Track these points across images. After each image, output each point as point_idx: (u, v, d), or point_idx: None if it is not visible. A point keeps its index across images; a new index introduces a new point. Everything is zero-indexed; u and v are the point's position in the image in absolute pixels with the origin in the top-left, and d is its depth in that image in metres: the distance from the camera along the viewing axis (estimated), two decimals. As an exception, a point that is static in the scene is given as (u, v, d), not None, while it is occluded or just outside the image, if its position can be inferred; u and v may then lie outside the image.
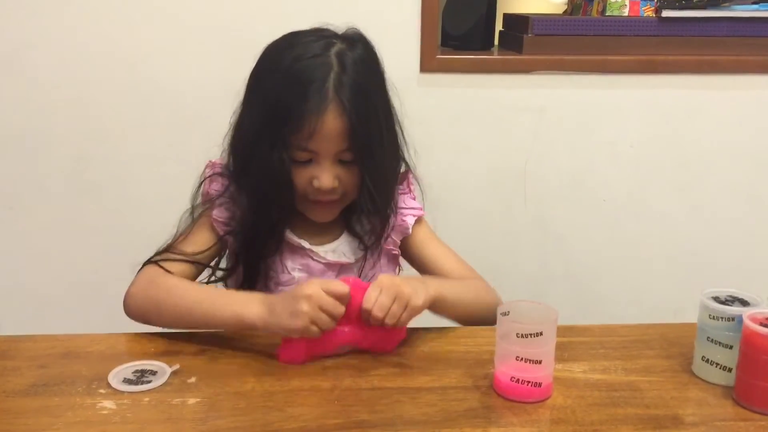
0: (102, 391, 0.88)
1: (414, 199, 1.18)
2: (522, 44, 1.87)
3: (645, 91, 1.87)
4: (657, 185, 1.93)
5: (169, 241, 1.10)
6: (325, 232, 1.13)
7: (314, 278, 1.09)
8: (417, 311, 0.95)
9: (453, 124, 1.88)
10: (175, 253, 1.07)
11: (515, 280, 1.97)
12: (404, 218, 1.15)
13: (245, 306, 0.95)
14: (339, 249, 1.13)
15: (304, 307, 0.90)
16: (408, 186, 1.18)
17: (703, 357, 0.91)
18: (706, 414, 0.85)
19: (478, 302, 1.08)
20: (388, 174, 1.09)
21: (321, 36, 1.04)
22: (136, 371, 0.92)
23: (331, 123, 0.99)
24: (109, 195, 1.87)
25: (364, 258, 1.13)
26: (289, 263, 1.12)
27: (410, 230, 1.14)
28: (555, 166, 1.92)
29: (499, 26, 2.10)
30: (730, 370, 0.89)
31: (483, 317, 1.05)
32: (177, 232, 1.11)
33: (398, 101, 1.14)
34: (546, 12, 2.58)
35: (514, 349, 0.85)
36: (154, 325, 1.03)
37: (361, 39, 1.07)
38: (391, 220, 1.13)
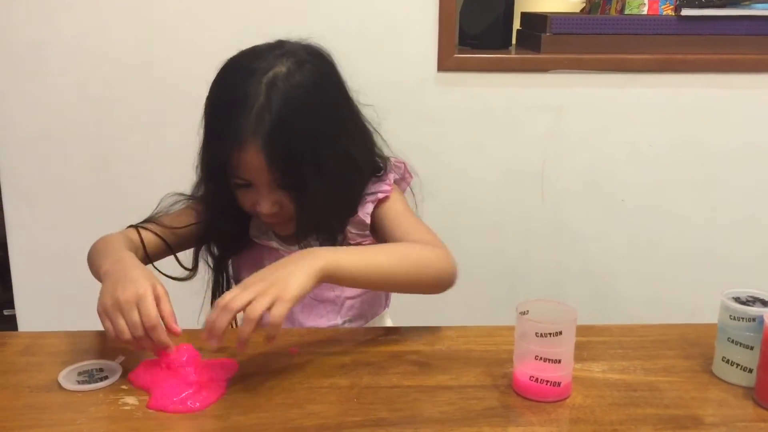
0: (125, 387, 0.89)
1: (386, 181, 1.12)
2: (540, 43, 1.86)
3: (664, 90, 1.86)
4: (676, 185, 1.92)
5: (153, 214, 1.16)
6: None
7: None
8: (293, 304, 0.85)
9: (470, 123, 1.88)
10: (153, 222, 1.13)
11: (532, 280, 1.97)
12: (362, 207, 1.10)
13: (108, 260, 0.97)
14: (311, 245, 1.10)
15: (123, 294, 0.88)
16: (386, 173, 1.13)
17: (723, 357, 0.91)
18: (727, 415, 0.84)
19: (405, 263, 0.99)
20: (329, 197, 1.04)
21: (265, 57, 1.01)
22: (81, 372, 0.91)
23: (251, 158, 0.98)
24: (129, 194, 1.89)
25: None
26: (266, 263, 1.11)
27: (368, 219, 1.10)
28: (572, 166, 1.91)
29: (516, 25, 2.10)
30: (750, 370, 0.88)
31: (415, 280, 1.00)
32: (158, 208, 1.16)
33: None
34: (563, 11, 2.57)
35: (533, 349, 0.85)
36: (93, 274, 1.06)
37: (311, 57, 1.04)
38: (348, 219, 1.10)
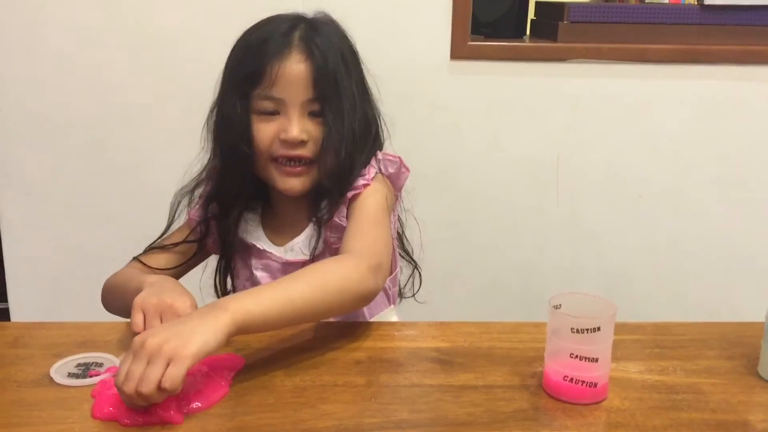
0: (120, 382, 0.81)
1: (364, 177, 1.04)
2: (557, 31, 1.80)
3: (685, 82, 1.79)
4: (696, 181, 1.85)
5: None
6: (287, 230, 1.09)
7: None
8: (194, 360, 0.73)
9: (483, 113, 1.81)
10: (153, 246, 1.11)
11: (546, 277, 1.91)
12: (338, 212, 1.04)
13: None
14: (296, 247, 1.07)
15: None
16: (368, 168, 1.05)
17: (772, 358, 0.84)
18: (779, 420, 0.77)
19: (323, 295, 0.86)
20: (358, 137, 1.02)
21: (297, 14, 1.06)
22: (79, 365, 0.85)
23: (295, 66, 0.98)
24: (127, 180, 1.82)
25: (313, 254, 1.06)
26: (253, 261, 1.11)
27: (344, 222, 1.03)
28: (589, 160, 1.84)
29: (530, 15, 2.03)
30: (802, 373, 0.81)
31: (337, 308, 0.89)
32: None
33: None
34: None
35: (567, 346, 0.78)
36: (110, 311, 1.06)
37: (333, 21, 1.07)
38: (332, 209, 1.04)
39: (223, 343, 0.76)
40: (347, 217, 1.03)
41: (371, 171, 1.05)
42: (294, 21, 1.02)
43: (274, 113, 1.00)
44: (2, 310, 1.91)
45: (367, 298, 0.92)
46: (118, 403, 0.75)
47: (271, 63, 0.98)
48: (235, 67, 1.03)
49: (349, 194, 1.03)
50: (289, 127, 0.99)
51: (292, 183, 1.03)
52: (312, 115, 1.01)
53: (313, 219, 1.05)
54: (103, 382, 0.81)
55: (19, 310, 1.88)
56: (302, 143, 1.00)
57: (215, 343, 0.75)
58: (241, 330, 0.79)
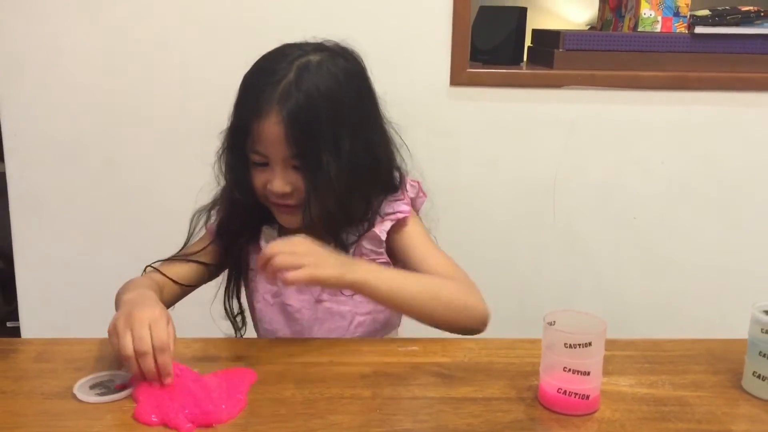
0: (140, 395, 0.86)
1: (404, 201, 1.11)
2: (553, 59, 1.86)
3: (677, 107, 1.86)
4: (688, 203, 1.91)
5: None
6: None
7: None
8: (315, 280, 0.93)
9: (482, 137, 1.87)
10: (173, 257, 1.15)
11: (542, 296, 1.95)
12: (380, 225, 1.10)
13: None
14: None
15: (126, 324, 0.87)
16: (402, 192, 1.12)
17: (754, 372, 0.89)
18: (760, 431, 0.82)
19: (435, 301, 1.01)
20: (342, 185, 1.03)
21: (302, 47, 1.06)
22: (96, 384, 0.89)
23: (273, 128, 1.01)
24: (138, 201, 1.87)
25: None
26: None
27: (384, 236, 1.09)
28: (584, 182, 1.90)
29: (527, 43, 2.09)
30: (783, 386, 0.86)
31: (443, 318, 1.02)
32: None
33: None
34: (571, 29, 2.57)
35: (561, 360, 0.83)
36: None
37: (344, 53, 1.09)
38: (362, 228, 1.10)
39: (334, 291, 0.98)
40: (399, 241, 1.10)
41: (407, 195, 1.12)
42: (285, 70, 1.02)
43: (264, 164, 1.05)
44: (14, 328, 1.96)
45: (482, 321, 1.04)
46: (159, 403, 0.82)
47: (254, 122, 1.02)
48: (233, 114, 1.07)
49: (399, 215, 1.09)
50: (273, 181, 1.04)
51: (290, 219, 1.09)
52: (295, 168, 1.04)
53: (336, 241, 1.09)
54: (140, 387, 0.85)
55: (31, 328, 1.92)
56: (287, 194, 1.05)
57: (332, 285, 0.96)
58: (352, 289, 0.98)
